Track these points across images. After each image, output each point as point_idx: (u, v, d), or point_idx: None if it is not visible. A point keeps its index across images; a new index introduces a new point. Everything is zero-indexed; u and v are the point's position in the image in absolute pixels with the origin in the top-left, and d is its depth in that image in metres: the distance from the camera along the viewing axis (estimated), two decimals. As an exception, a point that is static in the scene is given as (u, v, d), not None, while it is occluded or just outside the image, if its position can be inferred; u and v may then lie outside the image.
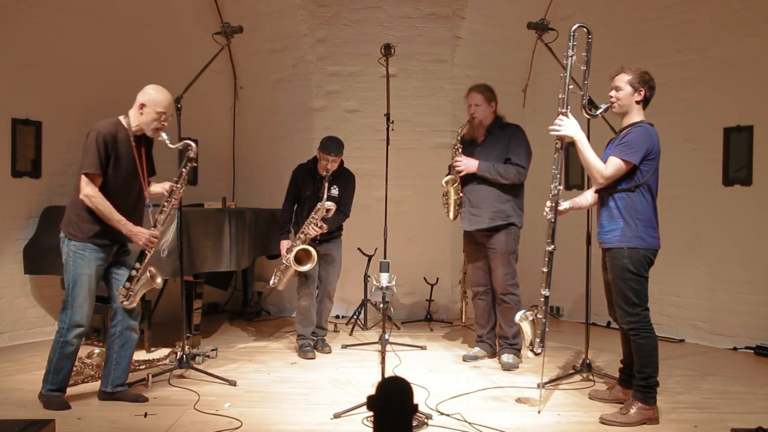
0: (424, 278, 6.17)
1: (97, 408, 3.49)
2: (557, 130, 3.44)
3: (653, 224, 3.36)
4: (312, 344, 4.82)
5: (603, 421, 3.32)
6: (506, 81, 6.36)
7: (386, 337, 3.77)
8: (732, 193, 5.20)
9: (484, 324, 4.68)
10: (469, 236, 4.62)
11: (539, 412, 3.48)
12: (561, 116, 3.44)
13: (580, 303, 5.03)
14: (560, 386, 3.98)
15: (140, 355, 4.53)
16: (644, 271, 3.32)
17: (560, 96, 3.47)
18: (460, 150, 4.52)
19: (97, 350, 4.24)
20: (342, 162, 4.76)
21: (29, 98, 4.98)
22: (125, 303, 3.46)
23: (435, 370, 4.41)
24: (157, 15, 5.96)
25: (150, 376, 3.83)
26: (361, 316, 5.87)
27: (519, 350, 4.48)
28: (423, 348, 5.05)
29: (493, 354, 4.66)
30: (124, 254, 3.61)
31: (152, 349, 4.73)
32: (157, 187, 3.64)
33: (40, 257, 4.85)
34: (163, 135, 3.48)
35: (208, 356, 4.54)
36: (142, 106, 3.45)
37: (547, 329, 3.52)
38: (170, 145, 3.49)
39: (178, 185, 3.57)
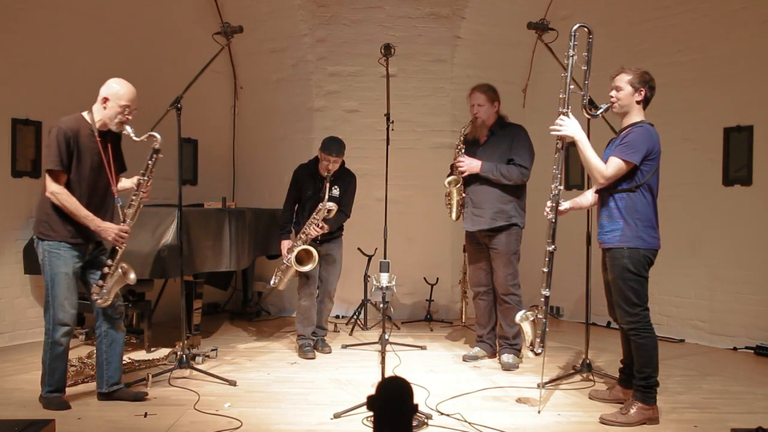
0: (424, 278, 6.17)
1: (97, 408, 3.49)
2: (558, 130, 3.44)
3: (653, 224, 3.35)
4: (312, 344, 4.82)
5: (603, 421, 3.32)
6: (506, 81, 6.35)
7: (386, 337, 3.77)
8: (732, 193, 5.20)
9: (484, 324, 4.67)
10: (471, 236, 4.62)
11: (539, 412, 3.48)
12: (562, 116, 3.44)
13: (581, 303, 5.04)
14: (560, 386, 3.97)
15: (140, 355, 4.54)
16: (644, 271, 3.32)
17: (561, 96, 3.46)
18: (463, 150, 4.51)
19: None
20: (343, 162, 4.76)
21: (29, 98, 4.98)
22: (99, 301, 3.41)
23: (435, 370, 4.41)
24: (157, 15, 5.95)
25: (150, 376, 3.83)
26: (361, 316, 5.87)
27: (519, 350, 4.48)
28: (423, 348, 5.05)
29: (493, 354, 4.66)
30: (100, 253, 3.55)
31: (152, 349, 4.72)
32: (126, 182, 3.59)
33: (40, 257, 4.85)
34: (128, 128, 3.41)
35: (208, 356, 4.54)
36: (105, 100, 3.40)
37: (547, 329, 3.51)
38: (135, 138, 3.41)
39: (146, 178, 3.49)
